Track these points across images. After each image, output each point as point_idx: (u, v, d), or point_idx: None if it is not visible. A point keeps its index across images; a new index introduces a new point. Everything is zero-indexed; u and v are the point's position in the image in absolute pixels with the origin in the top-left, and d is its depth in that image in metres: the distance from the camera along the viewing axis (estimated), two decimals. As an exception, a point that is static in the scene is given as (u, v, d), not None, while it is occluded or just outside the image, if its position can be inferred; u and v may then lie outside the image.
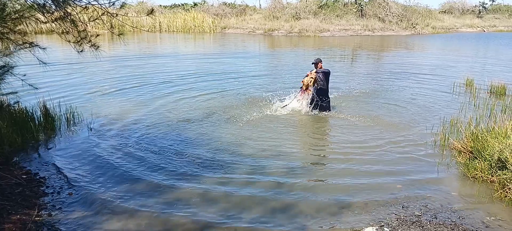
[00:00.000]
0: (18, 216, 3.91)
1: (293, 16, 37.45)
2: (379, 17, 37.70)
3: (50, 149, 5.93)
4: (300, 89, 8.19)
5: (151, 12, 5.98)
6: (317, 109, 7.87)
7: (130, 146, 6.04)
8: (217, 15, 41.28)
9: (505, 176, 4.57)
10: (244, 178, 4.97)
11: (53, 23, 4.75)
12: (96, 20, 5.07)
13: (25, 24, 5.02)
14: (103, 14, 4.93)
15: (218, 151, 5.86)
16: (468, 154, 5.53)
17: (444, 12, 49.72)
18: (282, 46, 25.02)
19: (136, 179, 4.93)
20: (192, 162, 5.45)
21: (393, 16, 37.82)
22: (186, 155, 5.72)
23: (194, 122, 7.33)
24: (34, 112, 6.54)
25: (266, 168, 5.28)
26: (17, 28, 4.80)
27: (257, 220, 4.04)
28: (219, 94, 9.66)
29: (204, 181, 4.89)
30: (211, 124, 7.17)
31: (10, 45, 4.76)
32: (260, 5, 55.57)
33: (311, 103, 7.93)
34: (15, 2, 4.95)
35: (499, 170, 4.74)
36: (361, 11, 38.44)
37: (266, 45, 25.78)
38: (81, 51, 5.08)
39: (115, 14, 4.96)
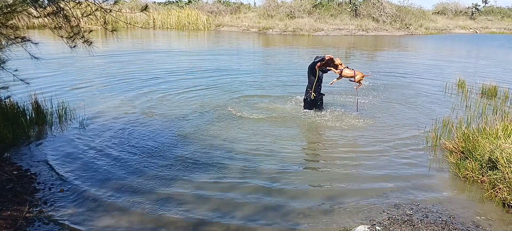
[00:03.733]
0: (9, 212, 3.87)
1: (288, 15, 37.45)
2: (373, 17, 37.84)
3: (41, 145, 5.88)
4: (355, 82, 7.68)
5: (145, 8, 5.95)
6: (316, 108, 7.87)
7: (122, 143, 6.01)
8: (211, 13, 41.14)
9: (495, 176, 4.62)
10: (236, 177, 4.97)
11: (45, 18, 4.71)
12: (89, 16, 5.04)
13: (17, 19, 4.98)
14: (96, 9, 4.90)
15: (211, 149, 5.86)
16: (460, 154, 5.58)
17: (438, 13, 50.06)
18: (276, 44, 25.02)
19: (128, 176, 4.91)
20: (184, 160, 5.43)
21: (387, 17, 37.99)
22: (178, 152, 5.70)
23: (186, 119, 7.31)
24: (25, 108, 6.48)
25: (259, 167, 5.28)
26: (9, 22, 4.76)
27: (250, 218, 4.04)
28: (212, 91, 9.64)
29: (196, 179, 4.88)
30: (203, 121, 7.16)
31: (2, 40, 4.72)
32: (254, 3, 55.48)
33: (311, 103, 7.85)
34: (7, -4, 4.90)
35: (489, 170, 4.80)
36: (355, 11, 38.57)
37: (260, 43, 25.77)
38: (74, 46, 5.05)
39: (108, 10, 4.94)
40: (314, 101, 7.83)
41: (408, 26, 38.22)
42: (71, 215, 4.00)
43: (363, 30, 35.45)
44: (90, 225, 3.85)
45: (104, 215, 4.02)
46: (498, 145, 4.88)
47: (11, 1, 4.66)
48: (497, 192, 4.50)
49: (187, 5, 44.44)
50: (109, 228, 3.81)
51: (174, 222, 3.93)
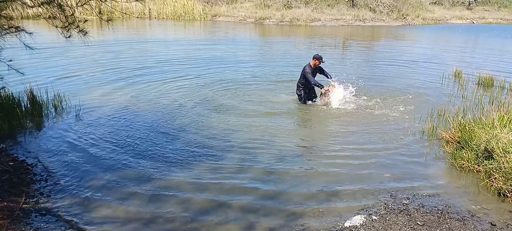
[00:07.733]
0: (5, 203, 3.86)
1: (285, 5, 37.21)
2: (370, 8, 37.69)
3: (37, 135, 5.85)
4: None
5: (140, -3, 5.87)
6: (309, 100, 8.02)
7: (118, 133, 5.99)
8: (207, 3, 40.77)
9: (491, 165, 4.64)
10: (234, 166, 4.98)
11: (39, 8, 4.65)
12: (84, 5, 4.98)
13: (11, 9, 4.91)
14: (91, -2, 4.85)
15: (207, 139, 5.85)
16: (456, 144, 5.60)
17: (435, 3, 49.92)
18: (273, 35, 24.91)
19: (124, 166, 4.90)
20: (181, 150, 5.43)
21: (384, 7, 37.85)
22: (175, 142, 5.69)
23: (182, 108, 7.29)
24: (20, 99, 6.43)
25: (255, 158, 5.28)
26: (3, 12, 4.70)
27: (247, 207, 4.06)
28: (208, 81, 9.59)
29: (193, 168, 4.88)
30: (200, 111, 7.14)
31: (-4, 30, 4.66)
32: (251, -7, 54.91)
33: (304, 96, 7.98)
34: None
35: (485, 160, 4.82)
36: (353, 1, 38.38)
37: (257, 33, 25.65)
38: (69, 36, 5.00)
39: (103, -1, 4.88)
40: (309, 95, 8.02)
41: (405, 16, 38.11)
42: (67, 206, 3.99)
43: (360, 20, 35.31)
44: (87, 216, 3.84)
45: (101, 206, 4.02)
46: (494, 134, 4.91)
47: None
48: (492, 181, 4.53)
49: (183, -5, 43.99)
50: (106, 218, 3.81)
51: (171, 212, 3.93)
